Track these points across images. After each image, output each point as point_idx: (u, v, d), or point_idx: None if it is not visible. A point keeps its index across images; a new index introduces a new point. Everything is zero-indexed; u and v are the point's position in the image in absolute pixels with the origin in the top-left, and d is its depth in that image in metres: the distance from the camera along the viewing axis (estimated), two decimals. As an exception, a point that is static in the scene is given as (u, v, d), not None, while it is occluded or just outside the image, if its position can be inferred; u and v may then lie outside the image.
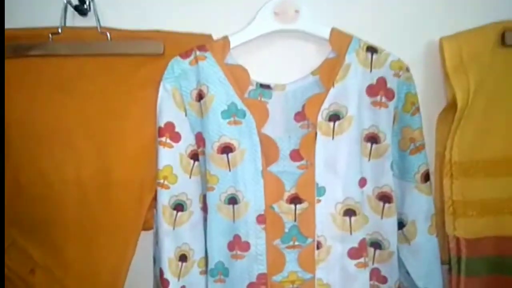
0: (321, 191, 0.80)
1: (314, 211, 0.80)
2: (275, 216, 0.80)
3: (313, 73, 0.82)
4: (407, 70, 0.79)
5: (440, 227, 0.82)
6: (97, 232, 0.79)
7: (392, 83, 0.80)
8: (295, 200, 0.79)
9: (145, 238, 0.81)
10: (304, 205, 0.79)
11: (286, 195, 0.79)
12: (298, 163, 0.81)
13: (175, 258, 0.80)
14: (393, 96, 0.80)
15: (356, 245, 0.81)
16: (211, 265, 0.81)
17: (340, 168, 0.80)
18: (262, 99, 0.82)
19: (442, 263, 0.84)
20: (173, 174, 0.80)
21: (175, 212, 0.81)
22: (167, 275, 0.80)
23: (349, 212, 0.80)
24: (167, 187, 0.80)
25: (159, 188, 0.80)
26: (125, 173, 0.79)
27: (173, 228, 0.80)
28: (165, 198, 0.80)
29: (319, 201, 0.80)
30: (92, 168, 0.79)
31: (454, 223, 0.79)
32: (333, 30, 0.80)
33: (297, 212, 0.80)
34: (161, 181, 0.80)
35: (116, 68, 0.79)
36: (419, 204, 0.82)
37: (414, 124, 0.81)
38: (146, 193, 0.80)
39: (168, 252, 0.80)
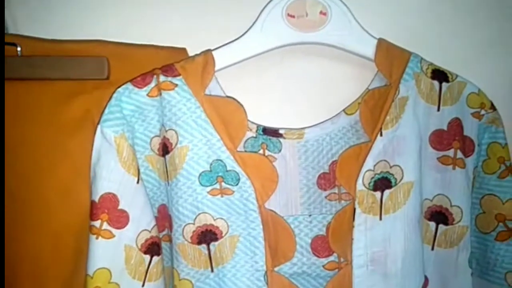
0: (364, 305, 0.47)
1: None
2: None
3: (347, 111, 0.50)
4: (492, 108, 0.49)
5: None
6: None
7: (471, 129, 0.49)
8: (321, 322, 0.46)
9: None
10: (336, 330, 0.46)
11: (306, 312, 0.46)
12: (325, 260, 0.48)
13: None
14: (473, 149, 0.48)
15: None
16: None
17: (392, 266, 0.48)
18: (267, 153, 0.48)
19: None
20: (112, 284, 0.46)
21: None
22: None
23: None
24: None
25: None
26: (40, 264, 0.50)
27: None
28: None
29: None
30: None
31: None
32: (380, 43, 0.49)
33: None
34: None
35: (30, 100, 0.51)
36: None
37: (503, 193, 0.50)
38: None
39: None
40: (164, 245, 0.50)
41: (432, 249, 0.51)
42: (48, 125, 0.50)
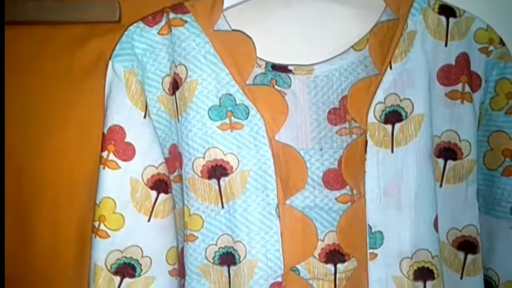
0: (377, 239, 0.47)
1: (366, 273, 0.46)
2: (302, 285, 0.46)
3: (356, 47, 0.49)
4: (502, 43, 0.49)
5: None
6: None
7: (478, 64, 0.49)
8: (334, 255, 0.47)
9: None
10: (350, 264, 0.47)
11: (319, 247, 0.47)
12: (337, 193, 0.47)
13: None
14: (480, 84, 0.48)
15: (433, 328, 0.46)
16: None
17: (406, 199, 0.47)
18: (277, 88, 0.47)
19: None
20: (116, 214, 0.45)
21: (117, 278, 0.45)
22: None
23: (424, 273, 0.47)
24: (105, 235, 0.45)
25: (92, 237, 0.45)
26: (55, 218, 0.50)
27: None
28: (99, 254, 0.45)
29: (374, 256, 0.47)
30: (8, 209, 0.49)
31: None
32: (388, -22, 0.48)
33: (338, 276, 0.47)
34: (96, 224, 0.45)
35: (43, 44, 0.51)
36: (520, 255, 0.48)
37: (511, 128, 0.48)
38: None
39: None
40: (175, 186, 0.48)
41: (441, 186, 0.50)
42: (63, 68, 0.50)
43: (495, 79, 0.49)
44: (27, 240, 0.50)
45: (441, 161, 0.50)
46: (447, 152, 0.49)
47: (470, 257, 0.50)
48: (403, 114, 0.47)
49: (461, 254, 0.50)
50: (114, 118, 0.45)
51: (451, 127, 0.49)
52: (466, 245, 0.50)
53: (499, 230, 0.51)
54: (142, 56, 0.45)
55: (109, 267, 0.45)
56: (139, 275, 0.46)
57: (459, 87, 0.49)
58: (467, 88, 0.49)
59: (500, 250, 0.51)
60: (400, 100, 0.47)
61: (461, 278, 0.50)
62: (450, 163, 0.50)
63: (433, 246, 0.47)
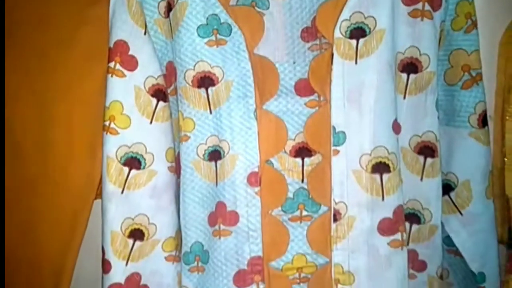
0: (340, 138, 0.53)
1: (330, 166, 0.54)
2: (274, 175, 0.54)
3: (326, -29, 0.55)
4: (460, -34, 0.53)
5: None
6: (36, 203, 0.58)
7: (438, -15, 0.53)
8: (302, 151, 0.54)
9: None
10: (315, 158, 0.54)
11: (290, 144, 0.54)
12: (306, 99, 0.54)
13: (122, 233, 0.55)
14: (440, 4, 0.53)
15: (389, 215, 0.54)
16: (186, 247, 0.55)
17: (366, 104, 0.53)
18: (257, 10, 0.54)
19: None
20: (124, 115, 0.54)
21: (126, 169, 0.54)
22: (109, 254, 0.55)
23: (381, 167, 0.54)
24: (115, 132, 0.54)
25: (104, 134, 0.55)
26: (71, 122, 0.58)
27: (122, 192, 0.55)
28: (111, 147, 0.55)
29: (337, 152, 0.53)
30: (28, 118, 0.58)
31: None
32: None
33: (305, 168, 0.54)
34: (107, 123, 0.54)
35: None
36: (476, 158, 0.57)
37: (469, 46, 0.55)
38: (100, 148, 0.56)
39: (112, 223, 0.55)
40: (171, 98, 0.57)
41: (404, 98, 0.56)
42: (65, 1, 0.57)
43: (456, 1, 0.54)
44: (45, 142, 0.57)
45: (404, 76, 0.56)
46: (409, 66, 0.55)
47: (429, 160, 0.57)
48: (367, 30, 0.53)
49: (421, 158, 0.57)
50: (119, 34, 0.53)
51: (413, 43, 0.55)
52: (425, 150, 0.56)
53: (458, 138, 0.57)
54: None
55: (119, 159, 0.55)
56: (144, 167, 0.55)
57: (419, 5, 0.54)
58: (427, 7, 0.54)
59: (459, 155, 0.57)
60: (365, 18, 0.53)
61: (421, 179, 0.57)
62: (412, 76, 0.56)
63: (390, 144, 0.54)
